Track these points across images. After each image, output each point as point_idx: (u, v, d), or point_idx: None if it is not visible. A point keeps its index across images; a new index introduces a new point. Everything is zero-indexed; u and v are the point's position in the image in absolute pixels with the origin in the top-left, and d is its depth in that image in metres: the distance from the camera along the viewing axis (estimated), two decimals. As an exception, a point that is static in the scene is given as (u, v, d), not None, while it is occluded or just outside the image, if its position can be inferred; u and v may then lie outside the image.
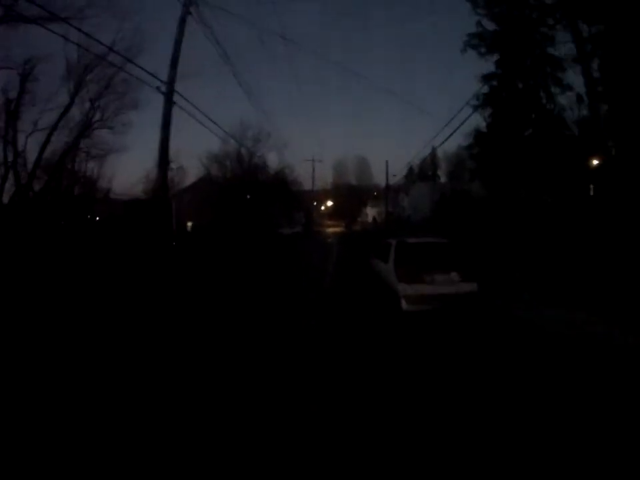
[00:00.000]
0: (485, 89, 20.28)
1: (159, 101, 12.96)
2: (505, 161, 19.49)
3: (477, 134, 20.49)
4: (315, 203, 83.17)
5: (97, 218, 28.29)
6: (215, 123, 19.78)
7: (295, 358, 5.31)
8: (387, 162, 29.97)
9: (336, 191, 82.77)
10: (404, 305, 7.55)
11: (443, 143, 47.77)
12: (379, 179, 74.17)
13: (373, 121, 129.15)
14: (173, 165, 32.28)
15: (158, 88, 10.54)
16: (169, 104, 10.66)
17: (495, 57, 20.83)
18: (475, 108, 18.88)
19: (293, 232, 35.53)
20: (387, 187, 31.66)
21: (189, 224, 32.94)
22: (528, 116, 19.34)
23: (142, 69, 10.24)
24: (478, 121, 20.99)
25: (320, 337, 6.36)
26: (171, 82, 10.69)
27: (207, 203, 30.39)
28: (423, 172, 72.07)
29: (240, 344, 5.97)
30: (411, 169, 75.85)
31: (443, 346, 5.92)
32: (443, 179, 64.66)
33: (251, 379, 4.55)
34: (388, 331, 6.85)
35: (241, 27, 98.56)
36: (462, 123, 19.23)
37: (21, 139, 17.03)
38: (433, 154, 65.20)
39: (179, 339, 6.24)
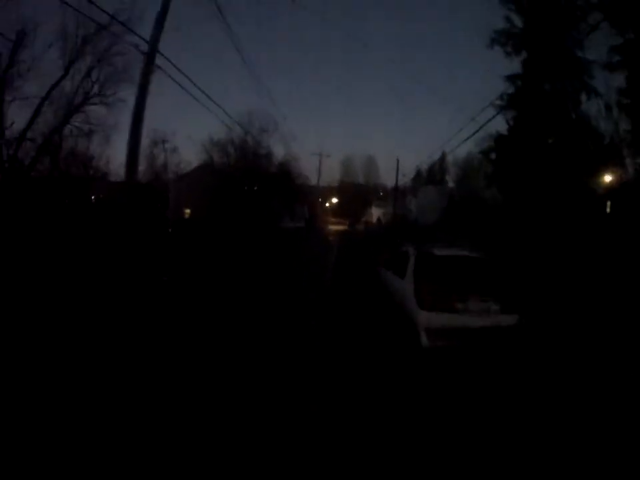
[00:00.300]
0: (509, 90, 19.06)
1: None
2: (525, 167, 18.31)
3: (498, 137, 19.27)
4: (320, 199, 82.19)
5: (93, 199, 27.19)
6: (210, 98, 18.57)
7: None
8: (397, 159, 28.83)
9: (342, 188, 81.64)
10: (424, 340, 5.64)
11: (459, 145, 46.39)
12: (386, 179, 73.10)
13: (383, 120, 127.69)
14: (167, 146, 30.99)
15: (137, 46, 9.28)
16: (148, 66, 9.33)
17: (522, 57, 19.62)
18: (500, 109, 17.65)
19: (294, 227, 34.37)
20: (396, 186, 30.32)
21: (187, 211, 31.83)
22: (553, 122, 18.10)
23: (123, 24, 9.06)
24: (494, 125, 19.82)
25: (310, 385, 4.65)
26: (154, 40, 9.34)
27: (207, 191, 29.22)
28: (431, 176, 70.80)
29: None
30: (419, 172, 74.79)
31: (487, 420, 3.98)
32: (450, 184, 63.33)
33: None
34: (399, 379, 4.93)
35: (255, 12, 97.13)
36: (482, 125, 17.65)
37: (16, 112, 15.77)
38: (443, 158, 64.11)
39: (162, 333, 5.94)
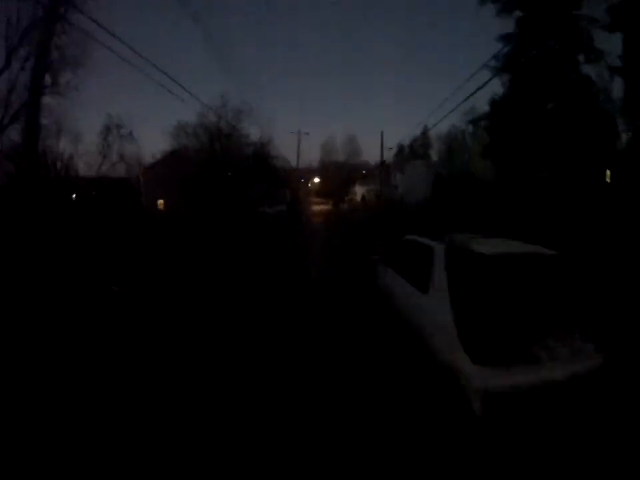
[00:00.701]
0: (504, 51, 17.34)
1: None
2: (523, 135, 16.82)
3: (493, 103, 17.62)
4: (303, 180, 79.96)
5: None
6: (169, 76, 16.28)
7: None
8: (381, 132, 26.78)
9: (324, 169, 79.77)
10: (479, 408, 3.16)
11: (447, 115, 44.04)
12: (368, 156, 71.34)
13: (364, 97, 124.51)
14: (122, 131, 28.46)
15: None
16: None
17: (515, 15, 17.87)
18: (495, 71, 15.95)
19: (275, 211, 32.43)
20: (382, 162, 28.36)
21: (160, 202, 29.58)
22: (552, 85, 16.54)
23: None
24: (483, 96, 18.11)
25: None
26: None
27: (180, 180, 27.02)
28: (414, 151, 69.21)
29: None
30: (401, 148, 73.19)
31: None
32: (434, 159, 61.94)
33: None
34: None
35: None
36: (472, 94, 15.76)
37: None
38: (425, 133, 62.38)
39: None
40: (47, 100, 17.19)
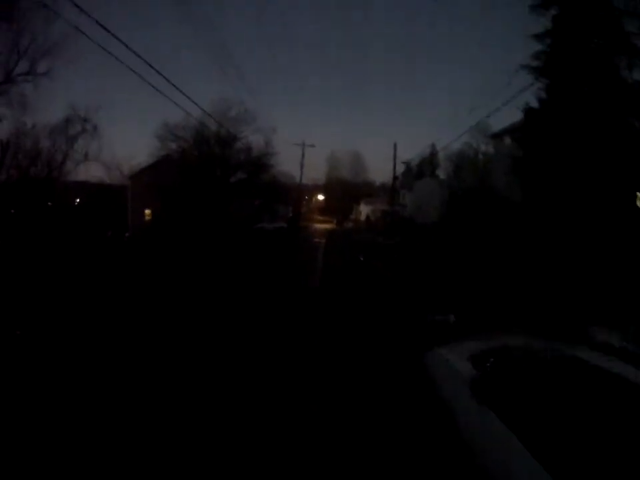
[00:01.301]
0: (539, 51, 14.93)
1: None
2: (560, 150, 14.21)
3: (528, 112, 15.11)
4: (307, 197, 77.77)
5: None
6: (167, 79, 14.05)
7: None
8: (394, 145, 24.29)
9: (328, 186, 77.70)
10: None
11: (461, 135, 41.67)
12: (374, 175, 69.22)
13: (370, 115, 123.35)
14: (87, 125, 25.78)
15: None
16: None
17: (552, 12, 15.49)
18: (534, 71, 13.46)
19: (274, 227, 29.90)
20: (394, 176, 25.61)
21: (147, 212, 27.04)
22: (598, 90, 14.02)
23: None
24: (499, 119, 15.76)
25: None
26: None
27: (170, 189, 24.56)
28: (421, 171, 66.92)
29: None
30: (408, 167, 70.95)
31: None
32: (442, 178, 59.39)
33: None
34: None
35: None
36: (504, 104, 13.13)
37: None
38: (434, 152, 59.90)
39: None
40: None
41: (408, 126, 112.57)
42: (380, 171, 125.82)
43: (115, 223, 24.60)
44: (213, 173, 26.29)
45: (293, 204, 66.30)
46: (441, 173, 65.81)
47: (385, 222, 42.40)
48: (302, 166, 37.27)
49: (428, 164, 67.77)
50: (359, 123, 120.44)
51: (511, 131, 17.69)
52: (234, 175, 28.85)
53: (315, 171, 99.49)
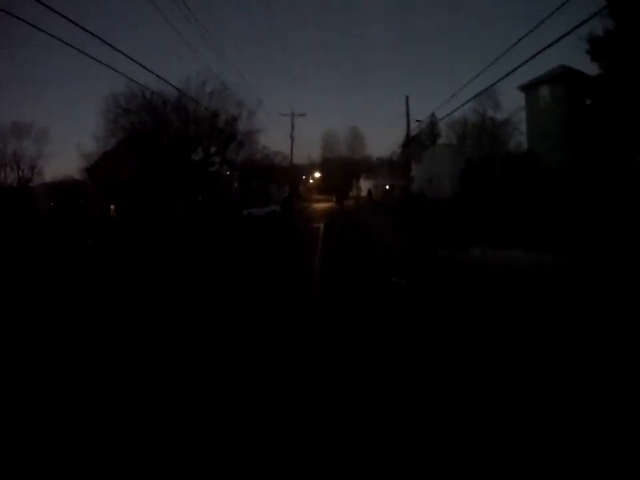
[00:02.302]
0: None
1: None
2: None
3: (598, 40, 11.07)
4: (304, 177, 73.39)
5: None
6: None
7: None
8: (406, 98, 19.51)
9: (325, 163, 73.24)
10: None
11: (479, 94, 37.19)
12: (373, 151, 64.82)
13: (367, 86, 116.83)
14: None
15: None
16: None
17: None
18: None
19: (264, 213, 26.12)
20: (408, 138, 20.81)
21: (112, 207, 23.12)
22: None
23: None
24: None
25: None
26: None
27: (136, 177, 20.61)
28: (421, 142, 62.22)
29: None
30: (410, 138, 66.12)
31: None
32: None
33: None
34: None
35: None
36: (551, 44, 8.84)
37: None
38: (433, 121, 54.64)
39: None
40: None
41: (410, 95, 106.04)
42: (378, 145, 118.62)
43: (79, 224, 20.81)
44: (185, 156, 22.16)
45: (291, 184, 62.40)
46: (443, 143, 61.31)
47: (390, 197, 38.41)
48: (292, 138, 32.77)
49: (428, 134, 62.94)
50: (356, 97, 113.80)
51: (550, 79, 13.68)
52: (214, 156, 24.80)
53: (311, 150, 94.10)
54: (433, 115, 36.71)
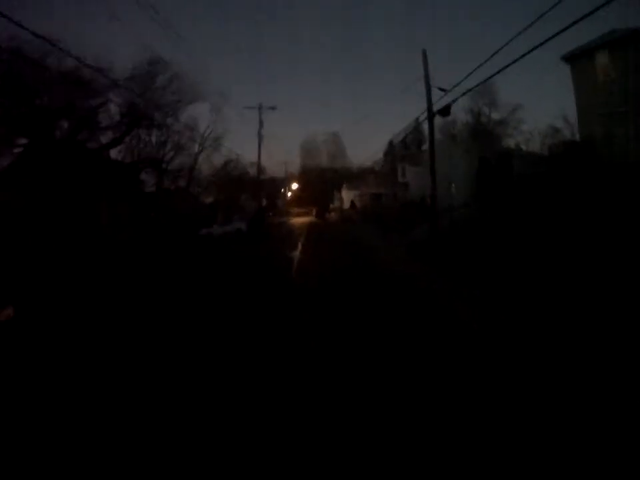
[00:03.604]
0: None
1: None
2: None
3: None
4: (283, 190, 67.69)
5: None
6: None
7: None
8: (424, 52, 13.45)
9: (304, 173, 68.04)
10: None
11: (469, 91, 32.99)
12: (354, 160, 60.41)
13: (347, 90, 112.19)
14: None
15: None
16: None
17: None
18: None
19: (227, 231, 20.44)
20: (431, 115, 14.19)
21: None
22: None
23: None
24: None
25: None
26: None
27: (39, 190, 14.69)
28: (406, 149, 57.62)
29: None
30: (391, 145, 61.34)
31: None
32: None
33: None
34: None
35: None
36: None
37: None
38: (417, 126, 49.51)
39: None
40: None
41: (396, 101, 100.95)
42: (362, 153, 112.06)
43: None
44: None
45: (259, 196, 56.86)
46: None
47: (378, 207, 33.02)
48: (260, 136, 27.05)
49: (412, 139, 57.95)
50: (337, 101, 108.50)
51: (609, 43, 8.73)
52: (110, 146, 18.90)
53: (290, 160, 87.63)
54: (416, 120, 31.71)
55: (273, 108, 27.81)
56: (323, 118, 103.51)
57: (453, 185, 20.86)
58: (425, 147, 55.44)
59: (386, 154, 60.80)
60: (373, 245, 16.16)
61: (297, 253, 14.22)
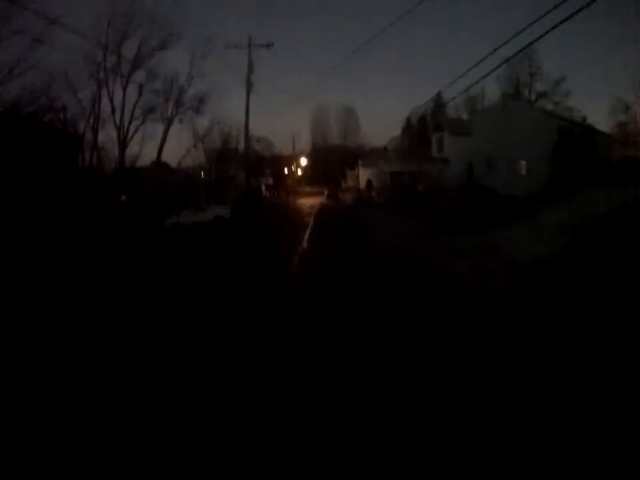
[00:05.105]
0: None
1: None
2: None
3: None
4: (293, 167, 61.78)
5: None
6: None
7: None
8: None
9: (315, 148, 62.40)
10: None
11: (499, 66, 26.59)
12: (369, 138, 55.18)
13: (363, 62, 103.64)
14: None
15: None
16: None
17: None
18: None
19: (203, 220, 14.75)
20: None
21: None
22: None
23: None
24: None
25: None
26: None
27: None
28: (424, 128, 51.11)
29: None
30: (409, 123, 54.47)
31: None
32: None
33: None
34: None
35: None
36: None
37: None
38: (439, 102, 40.90)
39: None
40: None
41: (413, 74, 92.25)
42: (374, 133, 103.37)
43: None
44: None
45: (273, 175, 51.34)
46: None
47: (407, 189, 26.37)
48: (249, 83, 20.37)
49: (431, 118, 50.60)
50: (351, 74, 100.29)
51: None
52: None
53: (299, 137, 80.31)
54: (439, 95, 25.14)
55: (268, 46, 20.83)
56: (338, 89, 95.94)
57: (524, 164, 14.76)
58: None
59: (403, 131, 54.28)
60: (439, 264, 8.31)
61: (293, 268, 8.49)
